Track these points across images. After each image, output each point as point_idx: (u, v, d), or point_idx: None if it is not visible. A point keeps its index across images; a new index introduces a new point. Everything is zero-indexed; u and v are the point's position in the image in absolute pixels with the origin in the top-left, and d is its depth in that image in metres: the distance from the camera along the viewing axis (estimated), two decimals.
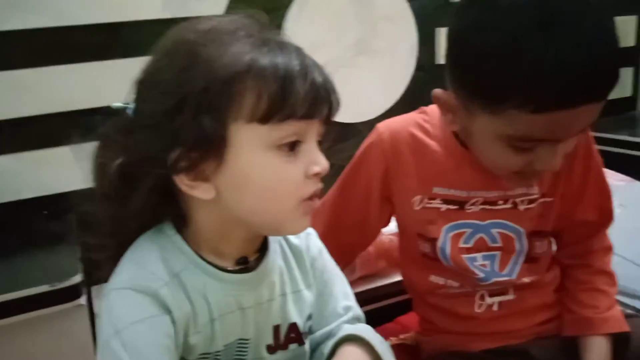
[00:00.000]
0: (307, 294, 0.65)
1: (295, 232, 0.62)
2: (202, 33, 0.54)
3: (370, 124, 0.85)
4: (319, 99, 0.54)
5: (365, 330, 0.64)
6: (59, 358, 0.92)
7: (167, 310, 0.54)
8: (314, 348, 0.67)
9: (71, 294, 0.88)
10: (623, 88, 1.93)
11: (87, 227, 0.58)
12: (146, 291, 0.53)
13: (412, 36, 1.47)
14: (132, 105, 0.57)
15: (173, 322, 0.54)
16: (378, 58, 1.44)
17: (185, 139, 0.52)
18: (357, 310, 0.70)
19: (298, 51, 0.55)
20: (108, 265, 0.59)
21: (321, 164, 0.56)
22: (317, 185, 0.57)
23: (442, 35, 1.51)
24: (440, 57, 1.52)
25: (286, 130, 0.53)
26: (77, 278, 0.88)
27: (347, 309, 0.68)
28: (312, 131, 0.56)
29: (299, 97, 0.52)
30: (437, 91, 0.71)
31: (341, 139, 1.44)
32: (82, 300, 0.90)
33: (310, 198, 0.56)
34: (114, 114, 0.58)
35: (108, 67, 1.13)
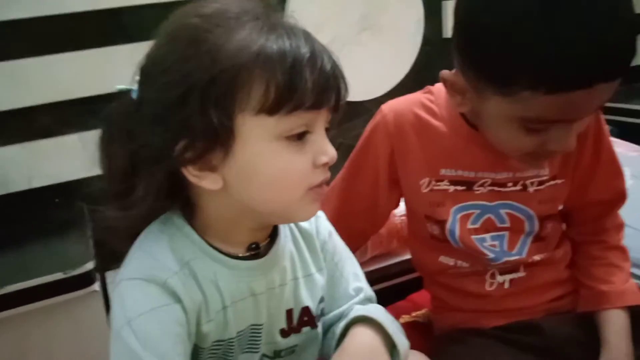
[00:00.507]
0: (319, 277, 0.65)
1: (305, 219, 0.62)
2: (206, 17, 0.53)
3: (378, 102, 0.84)
4: (327, 88, 0.53)
5: (376, 311, 0.64)
6: (74, 345, 0.93)
7: (178, 300, 0.54)
8: (326, 330, 0.67)
9: (85, 280, 0.89)
10: (636, 56, 1.88)
11: (98, 215, 0.58)
12: (156, 281, 0.53)
13: (419, 10, 1.44)
14: (136, 87, 0.56)
15: (184, 310, 0.54)
16: (384, 34, 1.42)
17: (191, 130, 0.51)
18: (368, 291, 0.70)
19: (307, 36, 0.53)
20: (121, 246, 0.59)
21: (329, 153, 0.55)
22: (326, 174, 0.56)
23: (449, 8, 1.48)
24: (448, 31, 1.49)
25: (294, 121, 0.52)
26: (90, 265, 0.89)
27: (358, 290, 0.68)
28: (320, 120, 0.55)
29: (308, 87, 0.51)
30: (445, 73, 0.69)
31: (349, 118, 1.43)
32: (96, 286, 0.91)
33: (319, 186, 0.56)
34: (117, 97, 0.57)
35: (111, 53, 1.12)
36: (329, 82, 0.53)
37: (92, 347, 0.91)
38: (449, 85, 0.70)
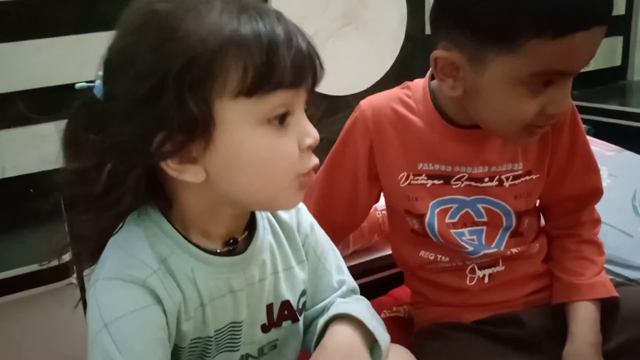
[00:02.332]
0: (299, 271, 0.65)
1: (289, 208, 0.60)
2: (175, 2, 0.51)
3: (360, 96, 0.84)
4: (305, 66, 0.52)
5: (356, 306, 0.63)
6: (50, 337, 0.91)
7: (157, 300, 0.52)
8: (309, 323, 0.67)
9: (61, 273, 0.87)
10: (613, 57, 1.92)
11: (72, 207, 0.55)
12: (135, 281, 0.51)
13: (402, 6, 1.45)
14: (98, 84, 0.52)
15: (164, 312, 0.52)
16: (367, 29, 1.42)
17: (168, 122, 0.49)
18: (352, 283, 0.70)
19: (279, 16, 0.52)
20: (89, 255, 0.57)
21: (312, 135, 0.54)
22: (314, 160, 0.55)
23: (431, 4, 1.49)
24: None
25: (274, 101, 0.51)
26: (67, 256, 0.87)
27: (341, 282, 0.68)
28: (299, 101, 0.54)
29: (286, 66, 0.50)
30: (437, 52, 0.69)
31: (331, 112, 1.43)
32: (73, 279, 0.89)
33: (307, 173, 0.55)
34: (80, 95, 0.54)
35: (87, 40, 1.10)
36: (306, 61, 0.52)
37: (67, 341, 0.90)
38: (439, 67, 0.70)
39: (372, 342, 0.61)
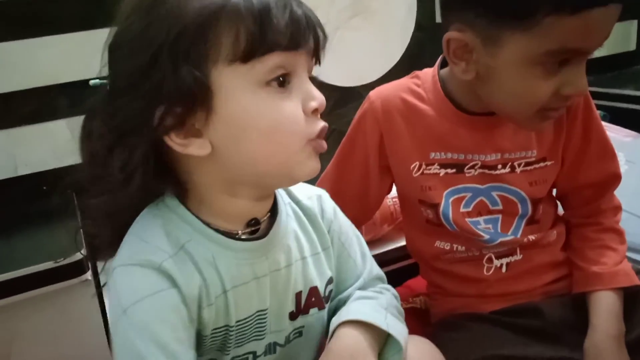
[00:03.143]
0: (325, 257, 0.64)
1: (305, 176, 0.57)
2: None
3: (371, 87, 0.83)
4: (301, 28, 0.51)
5: (365, 308, 0.61)
6: (66, 335, 0.92)
7: (174, 284, 0.52)
8: (333, 313, 0.65)
9: (76, 269, 0.88)
10: (627, 42, 1.89)
11: (86, 204, 0.56)
12: (150, 265, 0.51)
13: None
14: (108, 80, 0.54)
15: (182, 295, 0.52)
16: (375, 19, 1.40)
17: (166, 94, 0.49)
18: (376, 270, 0.69)
19: None
20: (106, 250, 0.57)
21: (317, 98, 0.54)
22: (321, 123, 0.54)
23: None
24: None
25: (270, 63, 0.50)
26: (83, 252, 0.87)
27: (366, 269, 0.67)
28: (300, 64, 0.53)
29: (280, 28, 0.49)
30: (450, 34, 0.68)
31: (341, 104, 1.42)
32: (88, 275, 0.89)
33: (317, 137, 0.54)
34: (96, 91, 0.55)
35: (93, 37, 1.09)
36: (302, 23, 0.51)
37: (83, 338, 0.90)
38: (452, 50, 0.69)
39: (386, 338, 0.61)
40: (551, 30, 0.61)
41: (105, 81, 0.54)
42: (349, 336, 0.59)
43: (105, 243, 0.58)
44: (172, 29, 0.49)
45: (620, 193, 0.84)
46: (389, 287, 0.70)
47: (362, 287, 0.67)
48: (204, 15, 0.49)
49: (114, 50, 0.53)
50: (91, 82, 0.55)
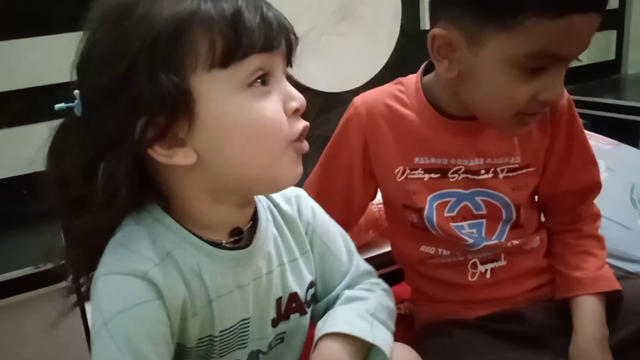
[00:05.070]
0: (304, 262, 0.64)
1: (290, 181, 0.57)
2: None
3: (356, 93, 0.84)
4: (273, 29, 0.51)
5: (346, 317, 0.61)
6: (47, 341, 0.90)
7: (159, 295, 0.51)
8: (323, 313, 0.65)
9: (57, 275, 0.86)
10: (607, 51, 1.93)
11: (66, 213, 0.54)
12: (135, 274, 0.50)
13: (396, 2, 1.44)
14: (77, 103, 0.52)
15: (165, 308, 0.51)
16: (362, 25, 1.41)
17: (146, 104, 0.48)
18: (364, 266, 0.69)
19: None
20: (85, 260, 0.56)
21: (298, 98, 0.54)
22: (303, 123, 0.54)
23: (426, 1, 1.48)
24: (426, 23, 1.49)
25: (250, 65, 0.51)
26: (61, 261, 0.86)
27: (352, 265, 0.67)
28: (277, 65, 0.53)
29: (254, 30, 0.50)
30: (435, 30, 0.69)
31: (326, 109, 1.42)
32: (69, 281, 0.88)
33: (299, 139, 0.54)
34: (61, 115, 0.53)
35: (79, 39, 1.08)
36: (274, 24, 0.52)
37: (62, 346, 0.88)
38: (436, 47, 0.70)
39: (371, 346, 0.60)
40: (533, 32, 0.62)
41: (71, 104, 0.52)
42: (330, 349, 0.58)
43: (87, 252, 0.56)
44: (145, 37, 0.48)
45: (601, 200, 0.85)
46: (379, 281, 0.69)
47: (350, 285, 0.67)
48: (176, 22, 0.48)
49: (85, 65, 0.52)
50: (56, 106, 0.53)
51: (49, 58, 1.07)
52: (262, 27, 0.50)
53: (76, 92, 0.52)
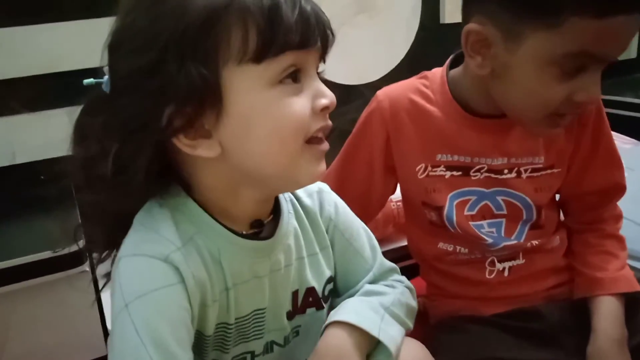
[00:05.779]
0: (323, 257, 0.63)
1: (310, 180, 0.56)
2: None
3: (373, 86, 0.83)
4: (311, 25, 0.50)
5: (357, 309, 0.60)
6: (62, 325, 0.91)
7: (180, 279, 0.50)
8: None
9: (74, 260, 0.87)
10: (628, 50, 1.89)
11: (83, 191, 0.54)
12: (158, 256, 0.50)
13: None
14: (106, 80, 0.51)
15: (187, 292, 0.50)
16: (379, 17, 1.40)
17: (175, 94, 0.47)
18: (388, 263, 0.68)
19: None
20: (101, 250, 0.56)
21: (328, 96, 0.52)
22: (326, 121, 0.53)
23: None
24: (445, 16, 1.48)
25: (283, 62, 0.49)
26: (81, 243, 0.87)
27: (377, 262, 0.67)
28: (310, 62, 0.52)
29: (291, 25, 0.48)
30: (470, 26, 0.67)
31: (343, 102, 1.41)
32: (86, 266, 0.89)
33: (319, 139, 0.53)
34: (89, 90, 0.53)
35: (97, 25, 1.08)
36: (311, 20, 0.50)
37: (79, 329, 0.89)
38: (470, 43, 0.68)
39: (378, 340, 0.59)
40: (573, 32, 0.61)
41: (100, 80, 0.52)
42: (336, 337, 0.58)
43: (100, 242, 0.56)
44: (178, 25, 0.47)
45: (621, 200, 0.84)
46: (403, 278, 0.69)
47: (374, 281, 0.66)
48: (209, 11, 0.47)
49: (116, 47, 0.51)
50: (85, 81, 0.53)
51: (65, 44, 1.07)
52: (299, 22, 0.48)
53: (106, 68, 0.52)
